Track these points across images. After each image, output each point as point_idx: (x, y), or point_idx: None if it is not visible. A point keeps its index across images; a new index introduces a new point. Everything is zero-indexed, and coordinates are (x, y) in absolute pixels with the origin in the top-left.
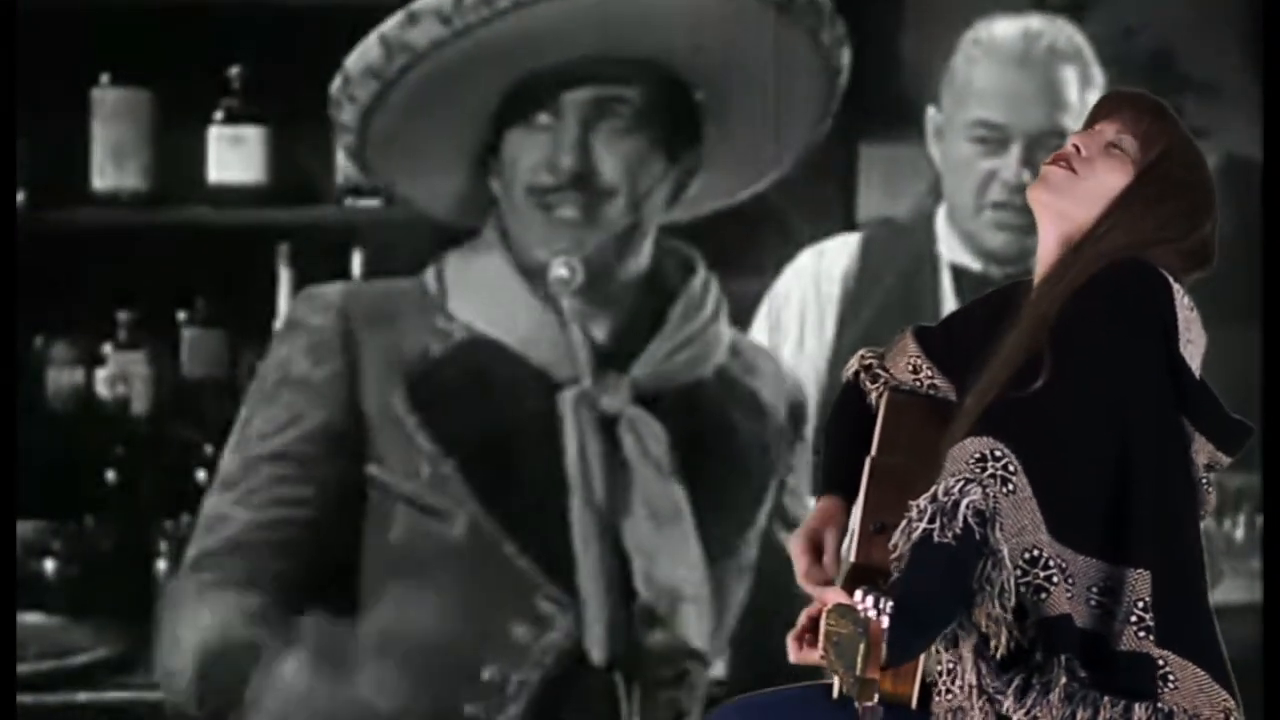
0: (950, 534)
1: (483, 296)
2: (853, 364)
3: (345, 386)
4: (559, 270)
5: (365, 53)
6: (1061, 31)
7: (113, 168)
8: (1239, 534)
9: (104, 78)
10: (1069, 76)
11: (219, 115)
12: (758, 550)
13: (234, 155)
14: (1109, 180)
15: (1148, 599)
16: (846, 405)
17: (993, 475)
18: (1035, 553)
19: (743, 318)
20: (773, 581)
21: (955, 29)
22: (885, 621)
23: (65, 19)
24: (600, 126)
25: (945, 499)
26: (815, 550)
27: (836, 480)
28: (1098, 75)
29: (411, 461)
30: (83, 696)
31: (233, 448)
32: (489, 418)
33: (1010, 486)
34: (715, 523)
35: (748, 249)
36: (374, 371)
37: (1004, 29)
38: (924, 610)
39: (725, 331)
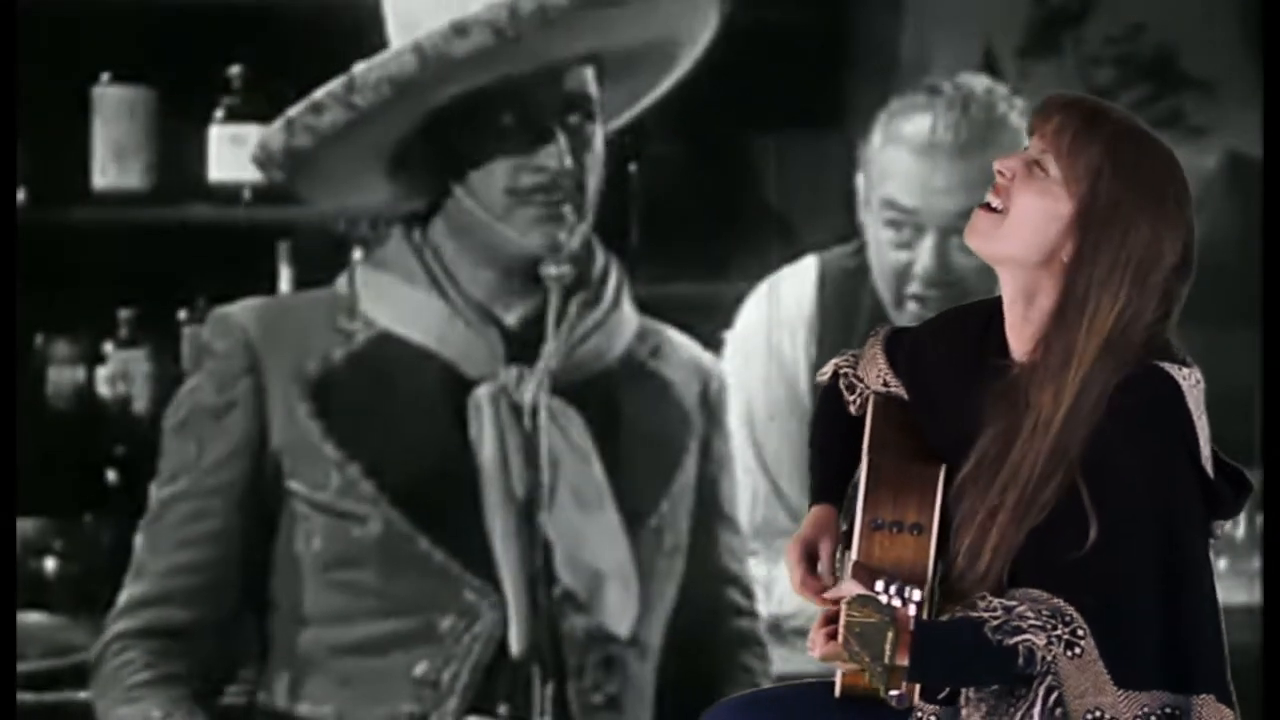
0: (997, 640)
1: (393, 298)
2: (828, 369)
3: (252, 410)
4: (553, 269)
5: (393, 61)
6: (984, 112)
7: (113, 166)
8: (1239, 534)
9: (104, 76)
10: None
11: (219, 114)
12: (688, 535)
13: (234, 154)
14: (1031, 206)
15: None
16: (828, 411)
17: (1060, 636)
18: (1098, 714)
19: None
20: (702, 559)
21: (956, 29)
22: (911, 609)
23: (65, 18)
24: (570, 123)
25: (1015, 619)
26: (810, 559)
27: (826, 490)
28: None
29: (321, 471)
30: (83, 695)
31: (155, 482)
32: (393, 417)
33: (1077, 650)
34: (626, 500)
35: (749, 252)
36: (279, 388)
37: (917, 105)
38: (939, 654)
39: (629, 317)
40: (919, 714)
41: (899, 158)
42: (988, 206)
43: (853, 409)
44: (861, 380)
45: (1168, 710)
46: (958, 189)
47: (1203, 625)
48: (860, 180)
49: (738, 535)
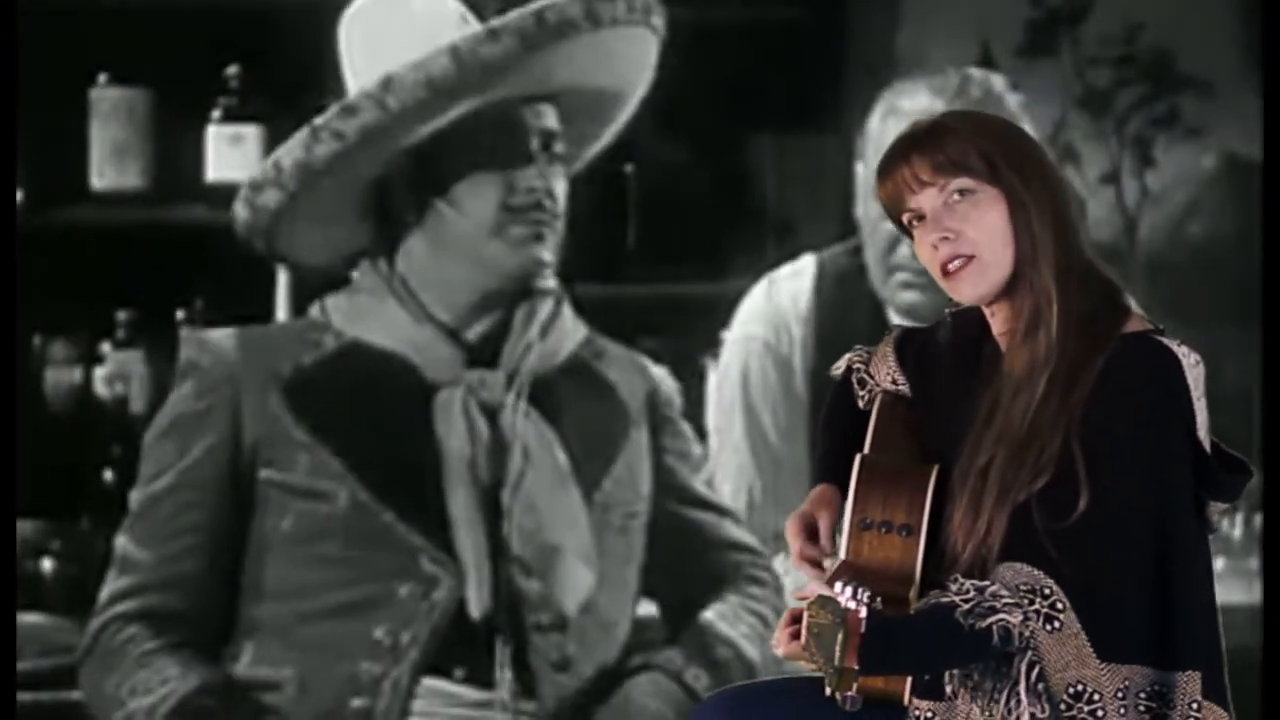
0: (969, 625)
1: (362, 313)
2: (841, 364)
3: (229, 410)
4: (545, 284)
5: (429, 62)
6: (981, 90)
7: (111, 167)
8: (1237, 533)
9: (102, 77)
10: None
11: (217, 114)
12: (648, 514)
13: (232, 154)
14: (988, 223)
15: (1200, 699)
16: (838, 402)
17: (1038, 610)
18: (1079, 688)
19: None
20: (666, 540)
21: (953, 29)
22: (863, 611)
23: (64, 19)
24: (547, 150)
25: (988, 599)
26: (810, 532)
27: (829, 472)
28: (1026, 126)
29: (291, 454)
30: (80, 695)
31: (136, 486)
32: (360, 406)
33: (1056, 624)
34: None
35: (746, 251)
36: (254, 389)
37: (914, 87)
38: (903, 650)
39: (570, 326)
40: (916, 712)
41: (897, 128)
42: (957, 261)
43: (862, 404)
44: (873, 377)
45: (1155, 688)
46: None
47: (1191, 601)
48: (860, 168)
49: (714, 510)
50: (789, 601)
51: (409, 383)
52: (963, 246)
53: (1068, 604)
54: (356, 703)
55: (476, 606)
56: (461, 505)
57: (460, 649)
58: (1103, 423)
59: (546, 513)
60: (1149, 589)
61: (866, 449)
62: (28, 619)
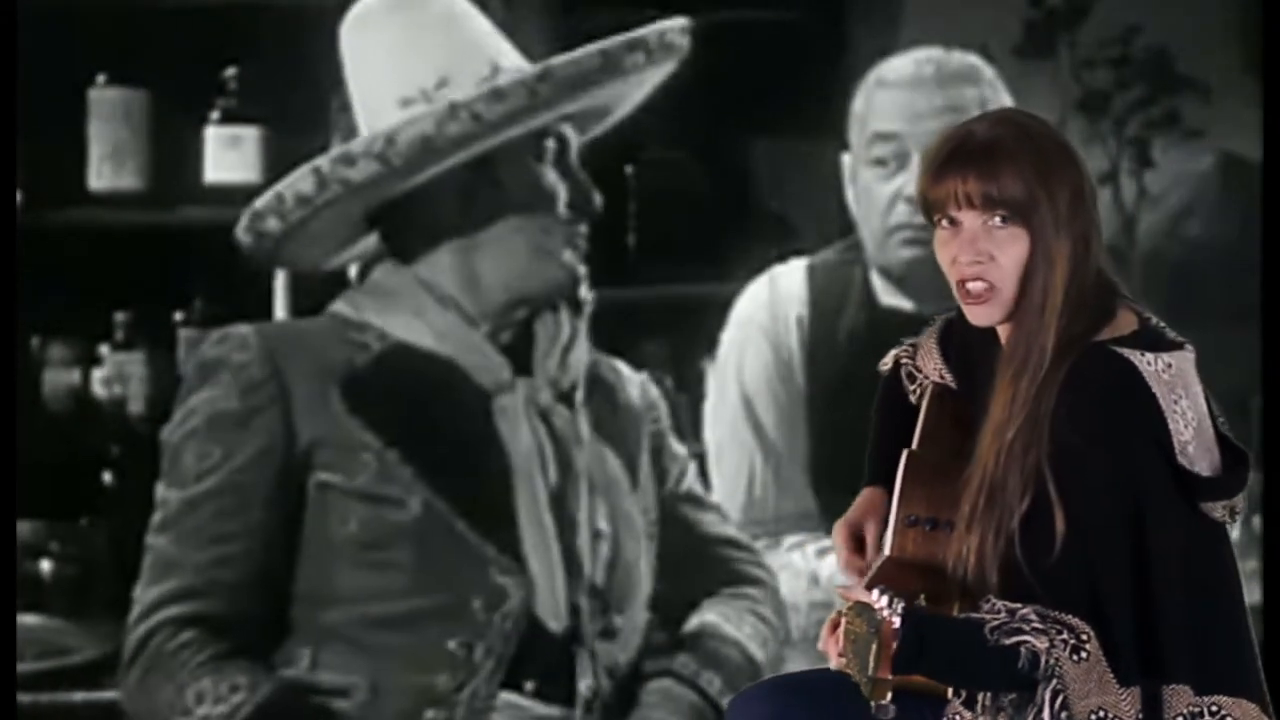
0: (995, 640)
1: (401, 315)
2: (889, 360)
3: (279, 413)
4: (585, 295)
5: (432, 123)
6: (961, 60)
7: (110, 168)
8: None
9: (100, 78)
10: (969, 96)
11: (216, 115)
12: (658, 524)
13: (231, 155)
14: (1015, 253)
15: (1184, 711)
16: (888, 397)
17: (1064, 640)
18: (1101, 714)
19: None
20: (661, 540)
21: (952, 32)
22: (897, 622)
23: (63, 19)
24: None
25: (1017, 622)
26: (857, 540)
27: (878, 472)
28: (1005, 100)
29: (357, 459)
30: (80, 696)
31: (166, 486)
32: (421, 409)
33: (1083, 654)
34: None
35: (745, 253)
36: (305, 390)
37: (897, 61)
38: (931, 655)
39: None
40: (956, 716)
41: (883, 95)
42: (981, 284)
43: (913, 398)
44: (921, 371)
45: (1151, 700)
46: (942, 112)
47: (1176, 612)
48: (845, 159)
49: (709, 509)
50: (787, 597)
51: (462, 386)
52: (990, 273)
53: (1092, 634)
54: (430, 714)
55: (555, 619)
56: (532, 514)
57: (531, 661)
58: (1064, 447)
59: (610, 521)
60: (1134, 604)
61: (915, 444)
62: (26, 620)
